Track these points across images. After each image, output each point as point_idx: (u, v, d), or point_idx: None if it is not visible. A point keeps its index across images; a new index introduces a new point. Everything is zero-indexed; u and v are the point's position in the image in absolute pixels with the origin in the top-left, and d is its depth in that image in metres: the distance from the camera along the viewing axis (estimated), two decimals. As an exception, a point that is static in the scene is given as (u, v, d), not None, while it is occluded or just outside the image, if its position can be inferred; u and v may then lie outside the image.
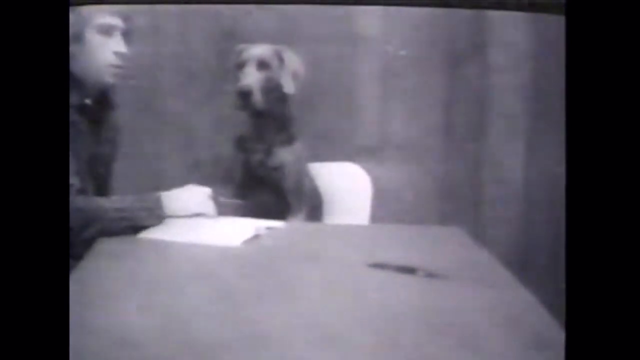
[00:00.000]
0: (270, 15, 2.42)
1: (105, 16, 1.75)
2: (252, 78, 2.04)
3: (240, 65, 2.06)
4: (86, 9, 1.73)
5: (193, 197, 1.78)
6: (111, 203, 1.69)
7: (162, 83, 2.52)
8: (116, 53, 1.76)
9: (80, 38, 1.73)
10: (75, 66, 1.73)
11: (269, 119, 2.08)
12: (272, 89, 2.06)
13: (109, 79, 1.78)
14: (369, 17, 2.52)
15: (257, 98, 2.04)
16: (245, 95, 2.04)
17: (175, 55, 2.51)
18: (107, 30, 1.75)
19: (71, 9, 1.67)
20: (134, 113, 2.38)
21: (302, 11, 2.46)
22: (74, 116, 1.72)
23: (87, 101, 1.80)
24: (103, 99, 1.86)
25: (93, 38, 1.75)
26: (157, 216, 1.70)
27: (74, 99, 1.73)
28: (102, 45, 1.75)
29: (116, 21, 1.76)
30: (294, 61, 2.09)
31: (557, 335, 1.11)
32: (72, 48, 1.71)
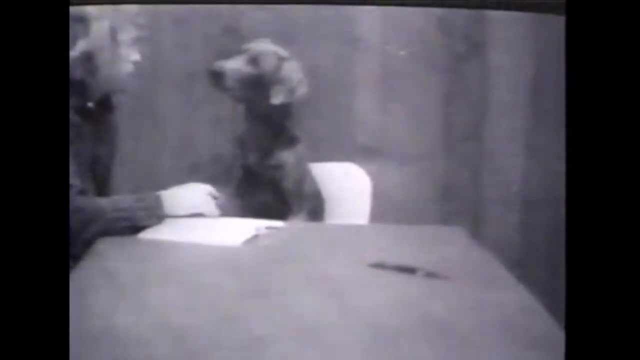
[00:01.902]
0: (269, 15, 2.42)
1: (127, 28, 1.78)
2: (231, 65, 2.02)
3: (237, 52, 2.04)
4: (107, 21, 1.75)
5: (193, 195, 1.78)
6: (111, 203, 1.69)
7: (162, 83, 2.52)
8: (134, 62, 1.81)
9: (99, 49, 1.75)
10: (89, 75, 1.76)
11: (268, 118, 2.06)
12: (256, 87, 2.02)
13: (125, 87, 1.84)
14: (368, 18, 2.52)
15: (229, 84, 2.01)
16: (213, 75, 2.02)
17: (175, 55, 2.51)
18: (126, 42, 1.78)
19: (93, 20, 1.72)
20: (134, 114, 2.38)
21: (302, 11, 2.46)
22: (75, 119, 1.72)
23: (90, 104, 1.80)
24: (104, 102, 1.86)
25: (111, 48, 1.77)
26: (157, 216, 1.71)
27: (77, 102, 1.73)
28: (120, 55, 1.79)
29: (135, 32, 1.80)
30: (293, 77, 2.03)
31: (557, 335, 1.11)
32: (91, 58, 1.74)
